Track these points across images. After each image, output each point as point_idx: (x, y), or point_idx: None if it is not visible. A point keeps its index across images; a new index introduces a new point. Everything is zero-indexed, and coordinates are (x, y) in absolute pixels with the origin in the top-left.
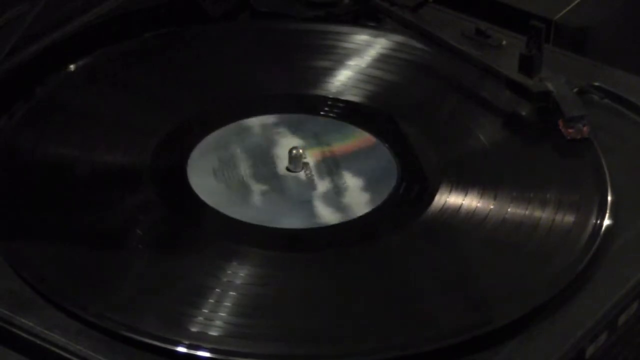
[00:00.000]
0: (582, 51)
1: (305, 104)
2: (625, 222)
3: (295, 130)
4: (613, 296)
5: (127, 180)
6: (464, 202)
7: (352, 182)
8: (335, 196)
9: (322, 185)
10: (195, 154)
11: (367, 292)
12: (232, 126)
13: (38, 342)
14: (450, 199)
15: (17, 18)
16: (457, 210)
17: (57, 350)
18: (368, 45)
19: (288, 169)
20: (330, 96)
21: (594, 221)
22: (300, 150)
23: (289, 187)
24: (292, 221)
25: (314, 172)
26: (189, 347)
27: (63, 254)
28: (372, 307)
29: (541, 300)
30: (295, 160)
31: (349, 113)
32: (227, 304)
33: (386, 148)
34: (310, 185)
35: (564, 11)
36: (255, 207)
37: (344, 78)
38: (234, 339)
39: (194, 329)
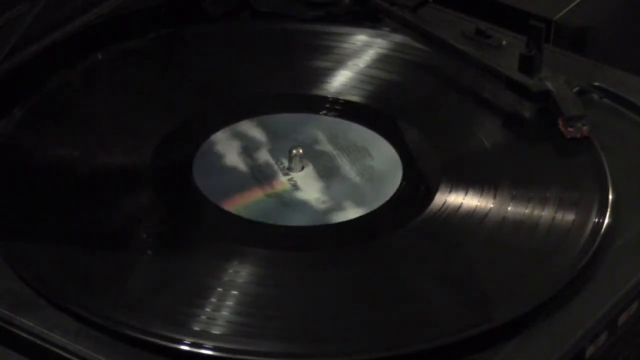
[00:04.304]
0: (582, 51)
1: (305, 104)
2: (626, 222)
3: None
4: (613, 296)
5: (128, 180)
6: (464, 201)
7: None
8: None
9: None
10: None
11: (367, 291)
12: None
13: (38, 342)
14: (450, 198)
15: (17, 18)
16: (457, 210)
17: (57, 350)
18: (368, 45)
19: (289, 169)
20: (330, 96)
21: (594, 220)
22: (301, 150)
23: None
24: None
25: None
26: (191, 345)
27: (63, 254)
28: (373, 306)
29: (541, 300)
30: (295, 160)
31: (349, 113)
32: (229, 302)
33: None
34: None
35: (564, 11)
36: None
37: (344, 78)
38: (236, 337)
39: (196, 328)
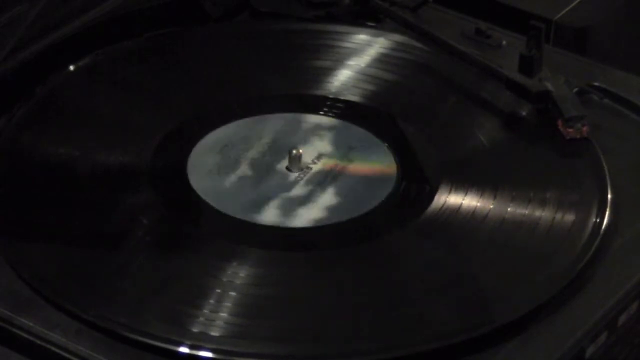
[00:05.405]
0: (582, 51)
1: (305, 104)
2: (625, 222)
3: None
4: (613, 296)
5: (127, 180)
6: (463, 202)
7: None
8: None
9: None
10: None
11: (366, 292)
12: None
13: (38, 342)
14: (450, 198)
15: (17, 18)
16: (456, 210)
17: (57, 350)
18: (368, 45)
19: (288, 169)
20: (330, 96)
21: (594, 221)
22: (300, 150)
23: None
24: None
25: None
26: (190, 347)
27: (63, 254)
28: (372, 307)
29: (541, 300)
30: (295, 160)
31: (349, 113)
32: (228, 304)
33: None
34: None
35: (564, 11)
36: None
37: (344, 78)
38: (235, 339)
39: (195, 330)
